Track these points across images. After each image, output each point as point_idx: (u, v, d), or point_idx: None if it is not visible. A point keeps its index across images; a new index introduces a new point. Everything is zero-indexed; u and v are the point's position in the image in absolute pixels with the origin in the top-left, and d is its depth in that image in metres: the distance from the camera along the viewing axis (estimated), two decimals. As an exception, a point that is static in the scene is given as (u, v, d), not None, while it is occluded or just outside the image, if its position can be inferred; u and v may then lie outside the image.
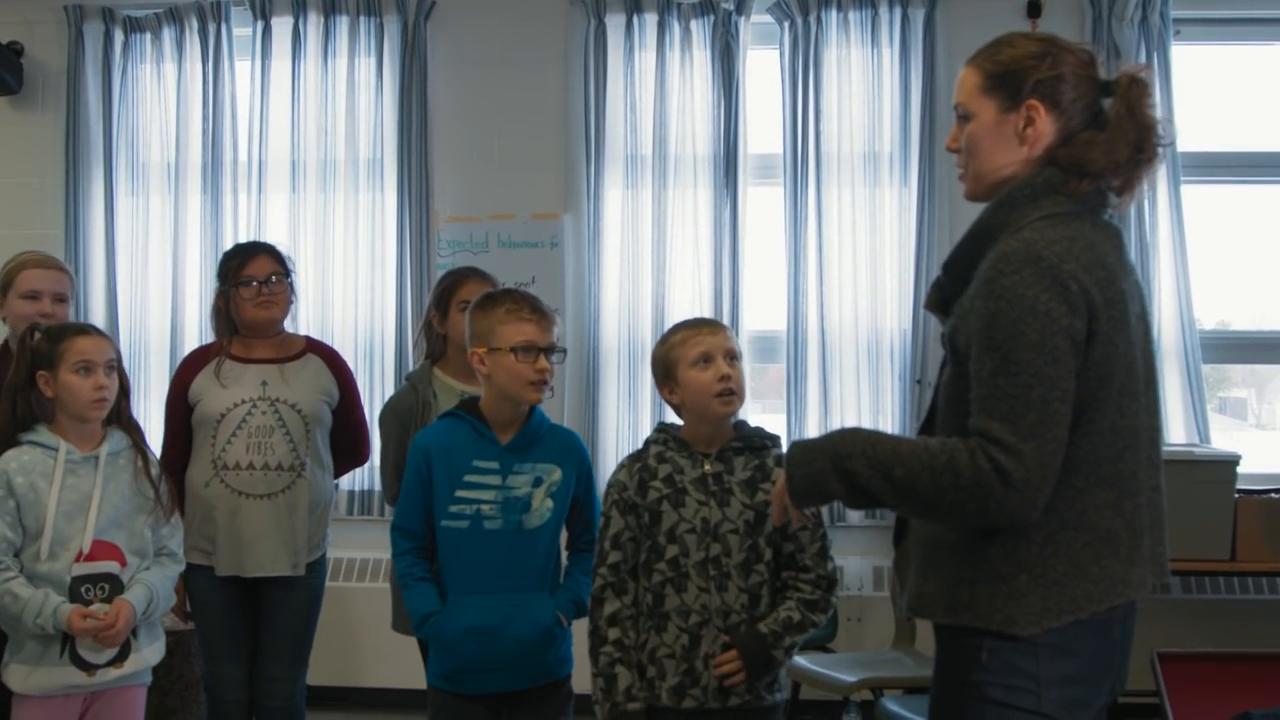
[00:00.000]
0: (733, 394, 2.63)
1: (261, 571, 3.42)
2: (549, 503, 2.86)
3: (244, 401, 3.43)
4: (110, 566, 2.91)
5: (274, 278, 3.48)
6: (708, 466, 2.65)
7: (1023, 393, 1.88)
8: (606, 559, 2.67)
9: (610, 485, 2.71)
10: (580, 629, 2.80)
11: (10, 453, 2.89)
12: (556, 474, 2.89)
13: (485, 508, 2.84)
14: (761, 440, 2.70)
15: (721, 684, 2.56)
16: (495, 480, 2.85)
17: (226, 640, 3.48)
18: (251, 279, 3.45)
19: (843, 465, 2.00)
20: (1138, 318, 2.03)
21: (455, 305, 3.43)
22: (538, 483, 2.87)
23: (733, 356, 2.66)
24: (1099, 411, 1.94)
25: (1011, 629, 1.94)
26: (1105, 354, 1.93)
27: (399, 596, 3.46)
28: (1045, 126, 2.03)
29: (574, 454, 2.93)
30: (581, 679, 2.79)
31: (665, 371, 2.70)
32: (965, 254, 2.04)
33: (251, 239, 4.65)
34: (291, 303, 3.57)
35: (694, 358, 2.64)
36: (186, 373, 3.53)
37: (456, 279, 3.53)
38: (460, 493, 2.85)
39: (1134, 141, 2.00)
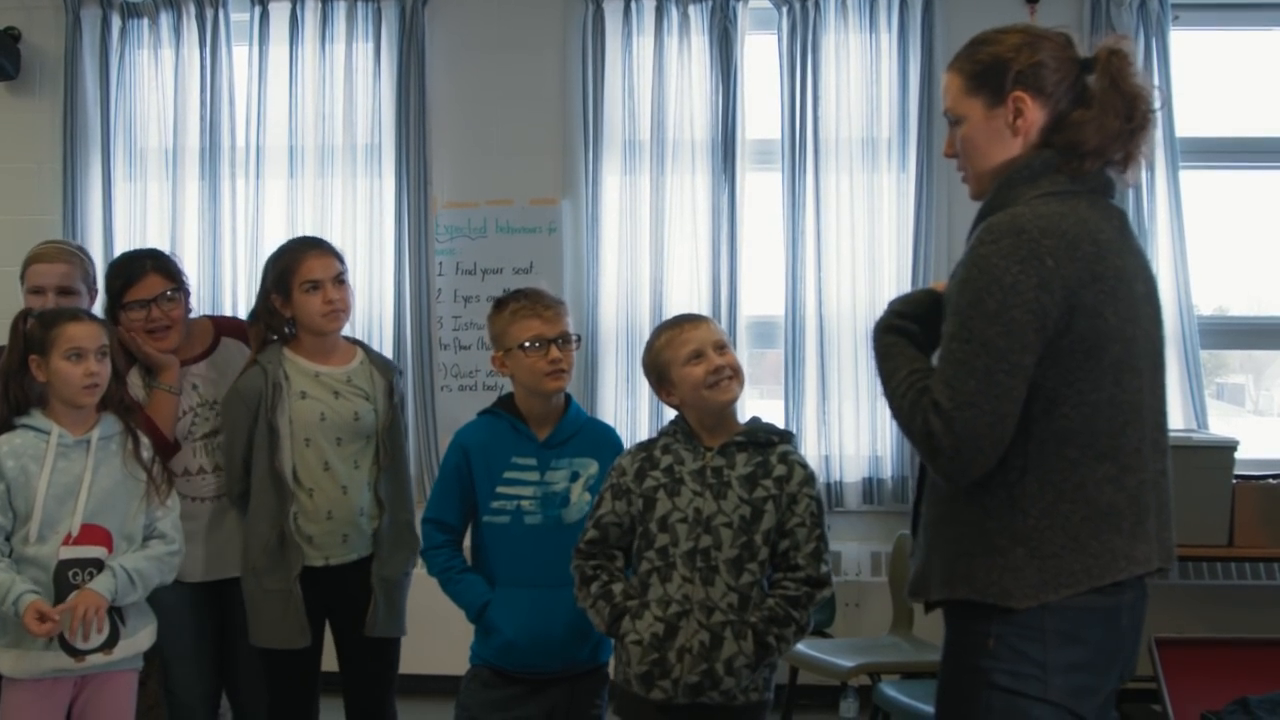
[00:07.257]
0: (730, 379, 2.64)
1: (226, 574, 3.22)
2: (586, 496, 2.88)
3: (186, 412, 3.23)
4: (97, 552, 2.88)
5: (168, 293, 3.17)
6: (709, 459, 2.64)
7: (969, 360, 1.91)
8: (585, 535, 2.69)
9: (611, 468, 2.73)
10: None
11: (2, 436, 2.89)
12: (593, 467, 2.91)
13: (525, 503, 2.88)
14: (767, 437, 2.68)
15: (695, 683, 2.54)
16: (534, 476, 2.89)
17: (190, 640, 3.25)
18: (139, 302, 3.15)
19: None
20: (1142, 298, 2.02)
21: (298, 287, 3.15)
22: (574, 477, 2.91)
23: (721, 346, 2.66)
24: (1089, 383, 1.94)
25: (1007, 602, 1.94)
26: (1094, 326, 1.93)
27: (258, 604, 3.14)
28: (1034, 114, 2.04)
29: (609, 447, 2.94)
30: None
31: (659, 376, 2.71)
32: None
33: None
34: (188, 312, 3.26)
35: (685, 356, 2.65)
36: None
37: (294, 259, 3.19)
38: (501, 489, 2.90)
39: (1122, 112, 2.00)
